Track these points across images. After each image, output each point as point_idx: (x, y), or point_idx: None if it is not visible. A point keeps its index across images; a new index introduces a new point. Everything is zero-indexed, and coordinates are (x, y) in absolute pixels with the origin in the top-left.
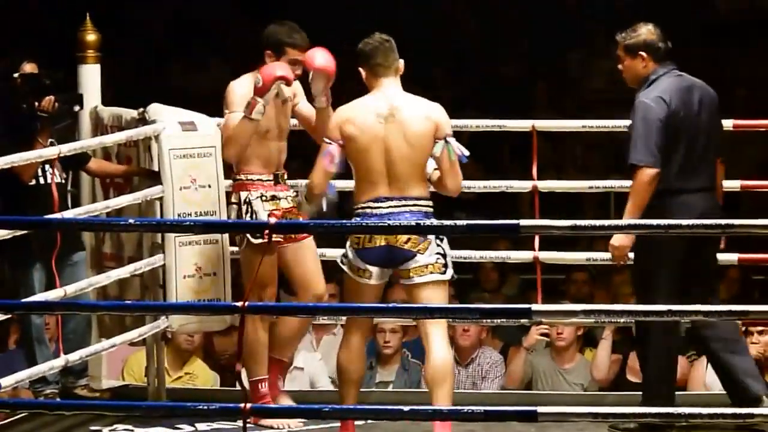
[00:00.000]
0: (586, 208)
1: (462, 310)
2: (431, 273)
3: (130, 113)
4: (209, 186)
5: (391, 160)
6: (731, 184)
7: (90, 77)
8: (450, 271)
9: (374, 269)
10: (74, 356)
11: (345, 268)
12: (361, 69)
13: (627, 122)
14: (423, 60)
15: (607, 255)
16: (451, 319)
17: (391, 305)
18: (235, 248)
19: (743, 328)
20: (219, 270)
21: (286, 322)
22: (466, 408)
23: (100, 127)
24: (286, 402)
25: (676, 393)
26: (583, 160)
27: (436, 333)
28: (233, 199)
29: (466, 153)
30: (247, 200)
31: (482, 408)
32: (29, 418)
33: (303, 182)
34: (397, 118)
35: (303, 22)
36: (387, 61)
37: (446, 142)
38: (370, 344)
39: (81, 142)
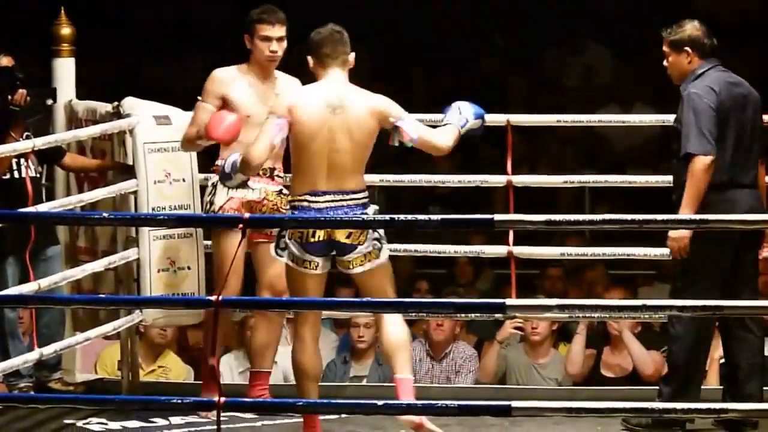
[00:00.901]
0: (561, 204)
1: (436, 304)
2: (369, 261)
3: (104, 107)
4: (183, 180)
5: (334, 152)
6: None
7: (64, 71)
8: (386, 251)
9: (320, 260)
10: (48, 350)
11: (287, 260)
12: (309, 57)
13: (600, 117)
14: (400, 56)
15: (581, 250)
16: (425, 314)
17: (365, 300)
18: (209, 242)
19: None
20: (193, 264)
21: (259, 331)
22: (439, 402)
23: (74, 121)
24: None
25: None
26: (558, 155)
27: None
28: (210, 182)
29: (415, 135)
30: (215, 183)
31: (456, 402)
32: (3, 411)
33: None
34: (345, 110)
35: (296, 19)
36: (335, 52)
37: (395, 129)
38: (344, 339)
39: (55, 135)
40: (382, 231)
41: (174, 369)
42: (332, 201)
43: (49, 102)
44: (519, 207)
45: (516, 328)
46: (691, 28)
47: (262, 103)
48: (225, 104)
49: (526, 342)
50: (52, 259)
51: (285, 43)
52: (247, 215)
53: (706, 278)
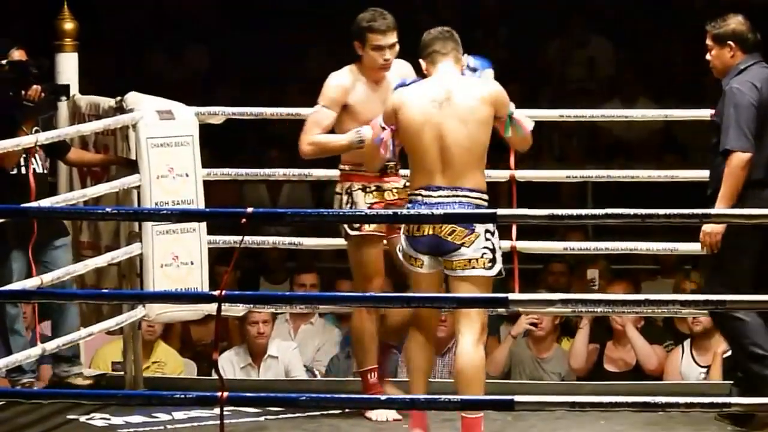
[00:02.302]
0: (564, 198)
1: (439, 299)
2: (474, 268)
3: (107, 102)
4: (187, 175)
5: (446, 146)
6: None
7: (67, 66)
8: (497, 267)
9: (425, 258)
10: (51, 345)
11: (400, 256)
12: (421, 60)
13: (603, 112)
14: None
15: (584, 244)
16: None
17: (367, 294)
18: (213, 237)
19: None
20: (196, 259)
21: (393, 312)
22: (442, 397)
23: (77, 116)
24: (392, 391)
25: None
26: (561, 149)
27: (465, 332)
28: (337, 189)
29: (531, 126)
30: (349, 191)
31: (459, 397)
32: (6, 407)
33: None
34: (452, 103)
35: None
36: (444, 48)
37: (510, 120)
38: (348, 334)
39: (58, 130)
40: (497, 244)
41: (169, 363)
42: (445, 196)
43: (63, 99)
44: (522, 201)
45: (531, 324)
46: (736, 22)
47: (380, 107)
48: (345, 110)
49: (529, 337)
50: (62, 248)
51: (398, 47)
52: (250, 210)
53: (738, 273)
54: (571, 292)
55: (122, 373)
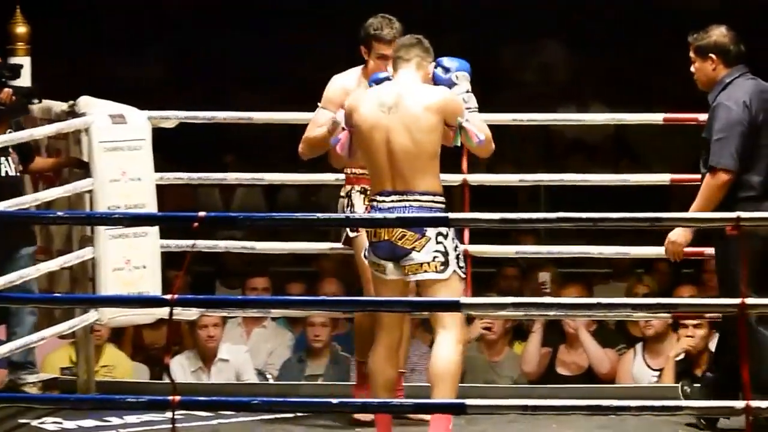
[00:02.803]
0: (521, 202)
1: (392, 302)
2: (425, 272)
3: (59, 106)
4: (139, 179)
5: (393, 152)
6: (661, 178)
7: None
8: (450, 270)
9: (387, 264)
10: (4, 349)
11: (366, 262)
12: (388, 67)
13: (557, 116)
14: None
15: (536, 248)
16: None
17: (319, 298)
18: (166, 241)
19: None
20: (149, 263)
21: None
22: (396, 401)
23: (30, 120)
24: None
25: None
26: (515, 153)
27: (441, 333)
28: (341, 192)
29: (481, 137)
30: (349, 193)
31: (412, 400)
32: None
33: None
34: (400, 109)
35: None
36: (407, 54)
37: (460, 130)
38: (300, 337)
39: (10, 135)
40: (450, 246)
41: (119, 366)
42: (397, 201)
43: (35, 102)
44: (478, 205)
45: (485, 328)
46: (718, 34)
47: None
48: None
49: (481, 341)
50: (22, 259)
51: None
52: (202, 213)
53: (738, 283)
54: (524, 296)
55: (74, 377)
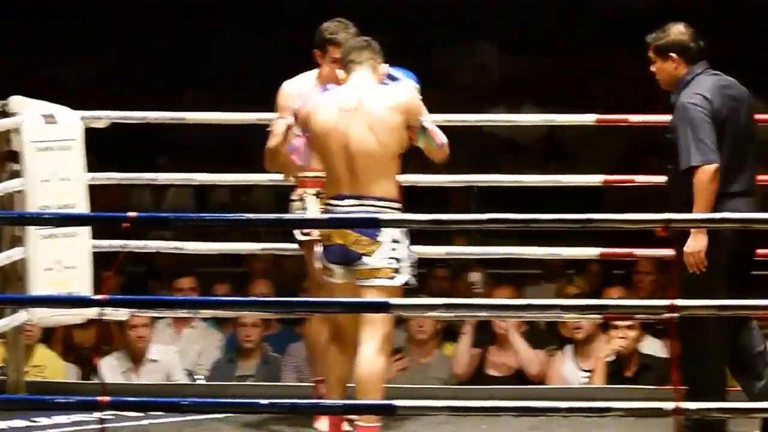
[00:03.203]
0: (451, 203)
1: (320, 303)
2: (376, 278)
3: None
4: (71, 179)
5: (351, 155)
6: (593, 179)
7: None
8: (403, 278)
9: (337, 268)
10: None
11: (319, 264)
12: (338, 70)
13: (489, 117)
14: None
15: (467, 249)
16: (311, 313)
17: (251, 299)
18: (97, 241)
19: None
20: (80, 263)
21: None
22: (324, 401)
23: None
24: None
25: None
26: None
27: (367, 339)
28: (293, 196)
29: (444, 139)
30: (303, 196)
31: (341, 402)
32: None
33: None
34: (361, 111)
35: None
36: (360, 57)
37: (423, 130)
38: (230, 338)
39: None
40: (404, 254)
41: (49, 366)
42: (352, 206)
43: None
44: (409, 206)
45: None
46: (676, 32)
47: None
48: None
49: (410, 342)
50: None
51: None
52: (132, 214)
53: (712, 287)
54: (454, 297)
55: (4, 377)
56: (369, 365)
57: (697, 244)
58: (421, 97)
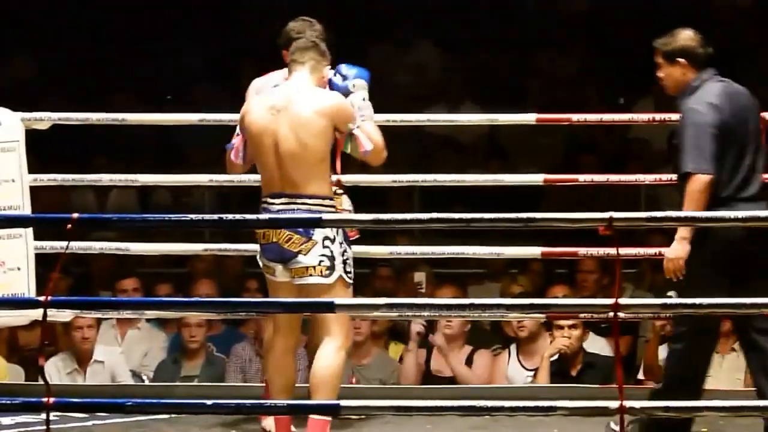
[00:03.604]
0: (392, 203)
1: (266, 303)
2: (311, 275)
3: None
4: (13, 180)
5: (281, 154)
6: (534, 178)
7: None
8: (336, 275)
9: (277, 266)
10: None
11: (260, 263)
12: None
13: (429, 116)
14: (232, 52)
15: (410, 249)
16: (254, 313)
17: (195, 299)
18: (40, 243)
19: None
20: (23, 264)
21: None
22: (269, 402)
23: None
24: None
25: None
26: (390, 154)
27: (325, 338)
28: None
29: (368, 147)
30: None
31: (285, 402)
32: None
33: None
34: (289, 111)
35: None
36: (302, 57)
37: (350, 137)
38: (174, 338)
39: None
40: (338, 251)
41: None
42: (285, 204)
43: None
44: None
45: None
46: (685, 37)
47: None
48: None
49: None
50: None
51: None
52: (75, 215)
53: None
54: (398, 297)
55: None
56: (327, 362)
57: (677, 251)
58: (366, 96)
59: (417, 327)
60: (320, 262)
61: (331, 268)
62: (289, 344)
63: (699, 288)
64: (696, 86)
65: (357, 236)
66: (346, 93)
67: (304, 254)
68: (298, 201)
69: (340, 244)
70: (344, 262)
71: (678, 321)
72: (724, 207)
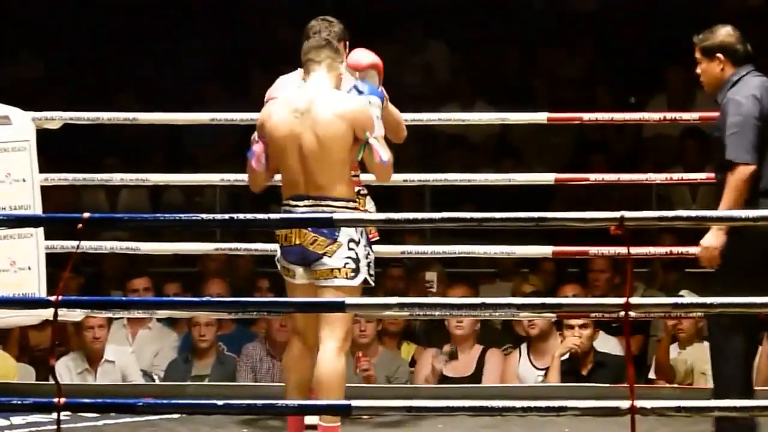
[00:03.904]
0: (403, 203)
1: (275, 303)
2: (336, 278)
3: None
4: (24, 180)
5: (304, 157)
6: (545, 178)
7: None
8: (361, 277)
9: (297, 268)
10: None
11: (278, 266)
12: (300, 69)
13: (440, 115)
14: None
15: (421, 248)
16: (266, 313)
17: (206, 299)
18: (51, 242)
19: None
20: (34, 264)
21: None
22: (280, 402)
23: None
24: None
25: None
26: (397, 153)
27: (326, 340)
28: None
29: (385, 158)
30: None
31: (296, 402)
32: None
33: None
34: (311, 114)
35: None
36: (318, 56)
37: (365, 145)
38: (185, 338)
39: None
40: (362, 253)
41: (4, 367)
42: (309, 207)
43: None
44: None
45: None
46: (724, 34)
47: None
48: None
49: (353, 344)
50: None
51: (347, 52)
52: (86, 215)
53: (738, 282)
54: (409, 296)
55: None
56: (329, 365)
57: (712, 239)
58: (379, 114)
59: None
60: (345, 264)
61: (356, 270)
62: (307, 345)
63: (737, 285)
64: (735, 80)
65: (377, 237)
66: None
67: (330, 256)
68: (323, 203)
69: (365, 246)
70: (368, 265)
71: (723, 319)
72: (764, 199)
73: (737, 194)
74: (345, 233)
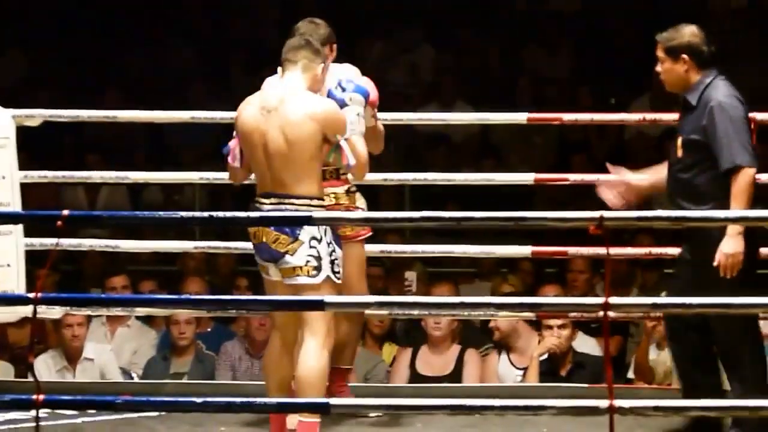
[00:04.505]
0: (382, 201)
1: (255, 301)
2: (298, 276)
3: None
4: (3, 177)
5: (270, 155)
6: (525, 178)
7: None
8: (323, 275)
9: (270, 266)
10: None
11: (258, 263)
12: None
13: (421, 115)
14: (220, 52)
15: (401, 247)
16: (245, 311)
17: (185, 297)
18: (30, 240)
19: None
20: (13, 261)
21: (340, 327)
22: (258, 400)
23: None
24: None
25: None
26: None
27: (307, 338)
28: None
29: (351, 162)
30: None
31: (275, 400)
32: None
33: None
34: (279, 112)
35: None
36: (295, 57)
37: (335, 147)
38: (164, 335)
39: None
40: (325, 251)
41: None
42: (274, 204)
43: None
44: None
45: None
46: (689, 34)
47: None
48: None
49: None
50: None
51: (334, 55)
52: (66, 212)
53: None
54: (388, 295)
55: None
56: (308, 363)
57: (736, 245)
58: (361, 112)
59: None
60: (307, 262)
61: (318, 268)
62: (287, 342)
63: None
64: (708, 83)
65: (370, 233)
66: (342, 106)
67: (291, 254)
68: (286, 201)
69: (328, 243)
70: (332, 262)
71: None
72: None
73: (747, 197)
74: (306, 231)
